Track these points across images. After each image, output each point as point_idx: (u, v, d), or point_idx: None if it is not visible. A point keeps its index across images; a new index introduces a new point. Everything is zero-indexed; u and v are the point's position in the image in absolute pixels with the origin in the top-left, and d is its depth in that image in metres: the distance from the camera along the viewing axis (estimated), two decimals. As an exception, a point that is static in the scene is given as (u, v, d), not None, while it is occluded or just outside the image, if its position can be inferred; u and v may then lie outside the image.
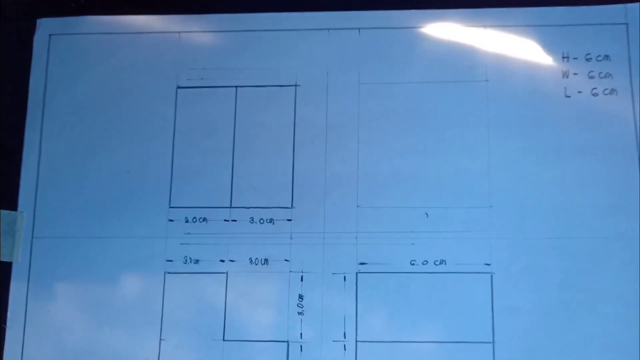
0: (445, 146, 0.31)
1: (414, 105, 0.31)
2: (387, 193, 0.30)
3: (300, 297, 0.30)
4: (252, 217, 0.31)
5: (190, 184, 0.31)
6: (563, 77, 0.31)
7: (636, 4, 0.31)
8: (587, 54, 0.31)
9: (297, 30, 0.33)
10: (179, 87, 0.32)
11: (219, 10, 0.33)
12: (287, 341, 0.30)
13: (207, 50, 0.33)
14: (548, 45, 0.31)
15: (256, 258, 0.30)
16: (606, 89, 0.31)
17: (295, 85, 0.32)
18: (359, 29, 0.32)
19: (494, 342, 0.29)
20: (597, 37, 0.31)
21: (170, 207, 0.31)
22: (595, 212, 0.30)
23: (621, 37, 0.31)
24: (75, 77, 0.33)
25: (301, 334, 0.30)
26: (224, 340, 0.30)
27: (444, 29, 0.32)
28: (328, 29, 0.32)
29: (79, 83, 0.32)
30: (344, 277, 0.30)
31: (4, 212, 0.31)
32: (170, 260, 0.31)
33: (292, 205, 0.31)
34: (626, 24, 0.31)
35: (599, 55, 0.31)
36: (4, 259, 0.31)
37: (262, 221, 0.31)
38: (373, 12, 0.32)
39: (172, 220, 0.31)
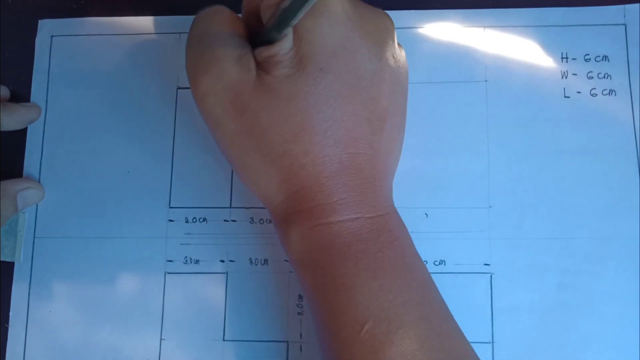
0: (445, 146, 0.31)
1: (414, 105, 0.31)
2: (386, 193, 0.30)
3: (300, 297, 0.30)
4: (252, 217, 0.31)
5: (190, 184, 0.31)
6: (562, 77, 0.31)
7: (635, 5, 0.31)
8: (586, 55, 0.31)
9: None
10: (179, 88, 0.32)
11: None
12: (287, 341, 0.30)
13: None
14: (547, 46, 0.31)
15: (256, 258, 0.30)
16: (605, 90, 0.31)
17: (295, 86, 0.32)
18: (359, 29, 0.32)
19: (493, 342, 0.29)
20: (596, 38, 0.31)
21: (170, 207, 0.31)
22: (595, 212, 0.30)
23: (620, 37, 0.31)
24: (76, 78, 0.33)
25: (301, 334, 0.30)
26: (224, 340, 0.30)
27: (444, 30, 0.32)
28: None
29: (81, 84, 0.33)
30: (344, 277, 0.30)
31: (6, 212, 0.31)
32: (171, 261, 0.31)
33: (292, 206, 0.31)
34: (625, 24, 0.31)
35: (598, 56, 0.31)
36: (6, 259, 0.31)
37: (262, 221, 0.31)
38: (373, 13, 0.32)
39: (172, 221, 0.31)
